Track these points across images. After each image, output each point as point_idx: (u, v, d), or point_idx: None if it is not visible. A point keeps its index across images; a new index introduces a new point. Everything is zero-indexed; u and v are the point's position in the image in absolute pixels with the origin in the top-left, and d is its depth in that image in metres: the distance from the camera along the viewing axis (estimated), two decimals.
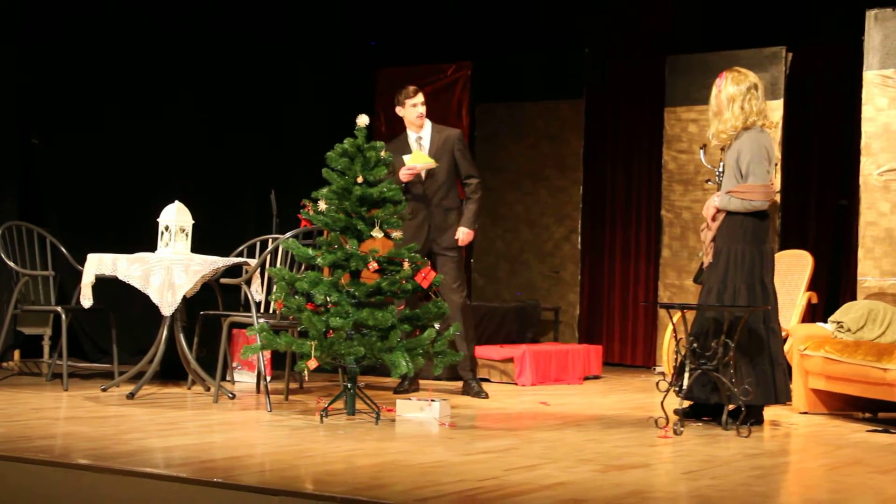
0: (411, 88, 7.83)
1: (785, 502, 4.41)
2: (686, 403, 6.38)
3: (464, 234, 7.77)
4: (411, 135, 7.85)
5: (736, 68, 6.70)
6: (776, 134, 9.46)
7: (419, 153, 7.67)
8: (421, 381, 7.95)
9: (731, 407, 6.22)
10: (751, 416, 6.25)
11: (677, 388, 6.23)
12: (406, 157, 7.67)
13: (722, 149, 6.71)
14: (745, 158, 6.45)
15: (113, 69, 9.42)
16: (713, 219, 6.56)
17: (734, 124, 6.52)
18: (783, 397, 6.51)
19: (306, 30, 10.81)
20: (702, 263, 6.69)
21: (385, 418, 6.24)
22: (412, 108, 7.78)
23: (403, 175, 7.62)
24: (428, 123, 7.87)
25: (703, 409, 6.55)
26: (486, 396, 7.68)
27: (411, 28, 11.63)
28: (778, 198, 9.47)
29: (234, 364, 8.09)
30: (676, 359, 6.31)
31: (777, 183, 9.45)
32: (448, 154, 7.78)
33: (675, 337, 6.37)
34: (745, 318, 6.20)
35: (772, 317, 6.49)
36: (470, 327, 7.83)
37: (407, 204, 7.31)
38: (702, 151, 7.13)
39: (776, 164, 9.42)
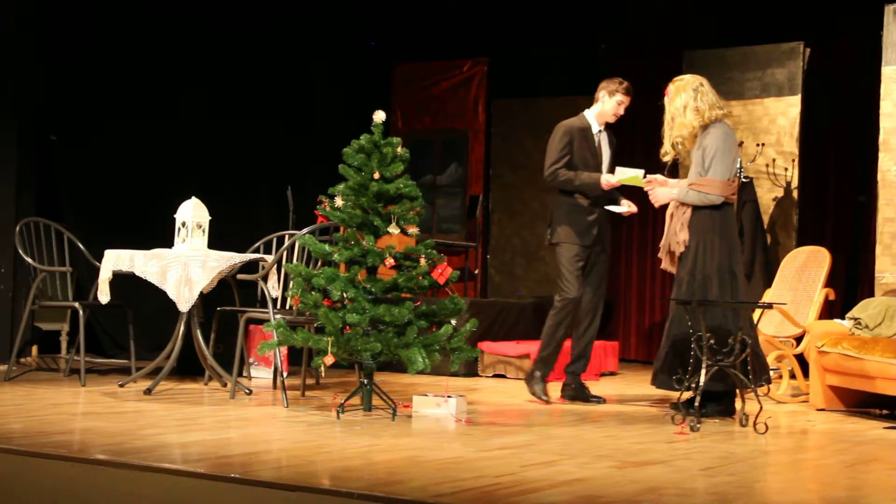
0: (626, 85, 7.30)
1: (802, 499, 4.40)
2: (686, 395, 6.43)
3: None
4: (594, 125, 7.37)
5: (674, 79, 6.87)
6: (794, 129, 9.44)
7: (636, 177, 7.07)
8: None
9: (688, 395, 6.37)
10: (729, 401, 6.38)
11: (693, 385, 6.22)
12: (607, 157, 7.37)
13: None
14: (709, 153, 6.64)
15: (130, 66, 9.45)
16: (675, 209, 6.73)
17: (693, 124, 6.69)
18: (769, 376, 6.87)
19: (323, 27, 10.83)
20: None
21: (402, 414, 6.24)
22: (617, 105, 7.32)
23: (607, 185, 7.18)
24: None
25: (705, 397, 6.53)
26: (601, 401, 7.34)
27: (428, 24, 11.63)
28: (796, 194, 9.44)
29: (251, 360, 8.11)
30: (691, 355, 6.30)
31: (794, 178, 9.43)
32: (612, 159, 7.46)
33: (679, 332, 6.42)
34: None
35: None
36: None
37: (583, 197, 7.27)
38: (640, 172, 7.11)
39: (794, 160, 9.41)
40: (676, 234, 6.69)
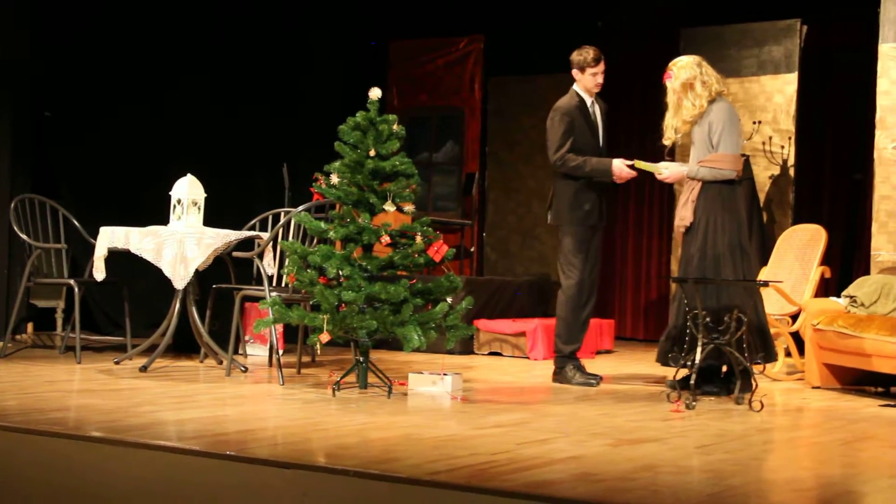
0: (592, 55, 7.16)
1: (797, 477, 4.40)
2: (680, 374, 6.44)
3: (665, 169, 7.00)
4: (587, 99, 7.24)
5: (672, 62, 6.84)
6: (790, 107, 9.42)
7: (651, 165, 6.96)
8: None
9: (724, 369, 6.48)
10: (746, 382, 6.27)
11: (689, 363, 6.23)
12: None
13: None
14: (716, 129, 6.62)
15: (126, 45, 9.42)
16: (687, 185, 6.71)
17: (700, 104, 6.68)
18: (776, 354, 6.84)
19: (319, 3, 10.78)
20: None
21: (397, 392, 6.24)
22: (592, 78, 7.20)
23: (623, 176, 7.05)
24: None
25: (703, 376, 6.52)
26: (597, 383, 7.11)
27: (424, 0, 11.58)
28: (792, 172, 9.43)
29: (247, 337, 8.11)
30: (688, 333, 6.30)
31: (791, 156, 9.42)
32: (608, 129, 7.38)
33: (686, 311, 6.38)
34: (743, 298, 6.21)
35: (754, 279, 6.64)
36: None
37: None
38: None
39: (790, 138, 9.40)
40: (680, 210, 6.69)
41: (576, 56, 7.25)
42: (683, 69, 6.73)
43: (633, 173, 7.07)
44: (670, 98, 6.80)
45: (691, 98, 6.69)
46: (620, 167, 7.05)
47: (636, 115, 11.10)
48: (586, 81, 7.22)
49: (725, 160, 6.58)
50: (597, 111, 7.32)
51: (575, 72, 7.25)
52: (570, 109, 7.20)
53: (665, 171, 6.88)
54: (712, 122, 6.63)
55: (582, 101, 7.25)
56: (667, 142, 6.92)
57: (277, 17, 10.38)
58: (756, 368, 6.79)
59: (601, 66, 7.21)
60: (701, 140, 6.69)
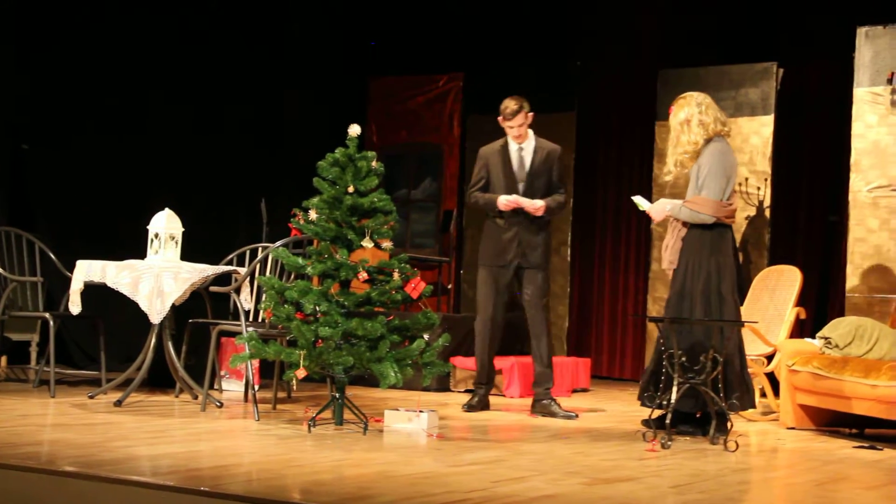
0: (510, 109, 7.56)
1: None
2: (656, 413, 6.44)
3: (537, 205, 7.48)
4: (513, 144, 7.66)
5: (679, 97, 6.88)
6: (766, 149, 9.49)
7: (639, 202, 7.08)
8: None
9: (698, 414, 6.49)
10: (721, 424, 6.28)
11: (664, 402, 6.24)
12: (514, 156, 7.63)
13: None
14: (703, 172, 6.64)
15: (104, 77, 9.42)
16: (672, 225, 6.75)
17: (696, 140, 6.70)
18: (754, 401, 6.84)
19: (300, 40, 10.83)
20: None
21: (373, 428, 6.23)
22: (508, 129, 7.60)
23: (503, 205, 7.50)
24: (531, 136, 7.67)
25: (679, 418, 6.52)
26: (574, 417, 7.42)
27: (404, 38, 11.65)
28: (768, 213, 9.49)
29: (223, 372, 8.08)
30: (663, 373, 6.31)
31: (766, 197, 9.48)
32: (548, 172, 7.63)
33: (663, 350, 6.39)
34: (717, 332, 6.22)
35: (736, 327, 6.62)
36: (550, 344, 7.71)
37: (499, 217, 7.57)
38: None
39: (766, 179, 9.46)
40: (666, 252, 6.71)
41: (501, 106, 7.66)
42: (683, 106, 6.75)
43: (515, 204, 7.46)
44: (671, 132, 6.84)
45: (687, 134, 6.71)
46: (504, 199, 7.49)
47: (612, 153, 11.16)
48: (507, 131, 7.65)
49: (706, 204, 6.58)
50: (525, 155, 7.63)
51: (500, 119, 7.65)
52: (487, 152, 7.75)
53: (645, 204, 6.92)
54: (701, 164, 6.65)
55: (505, 144, 7.67)
56: (667, 176, 6.97)
57: (256, 56, 10.40)
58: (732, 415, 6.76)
59: (509, 121, 7.59)
60: (692, 179, 6.72)
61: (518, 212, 7.54)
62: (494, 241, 7.62)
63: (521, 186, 7.59)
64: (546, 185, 7.62)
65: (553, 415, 7.42)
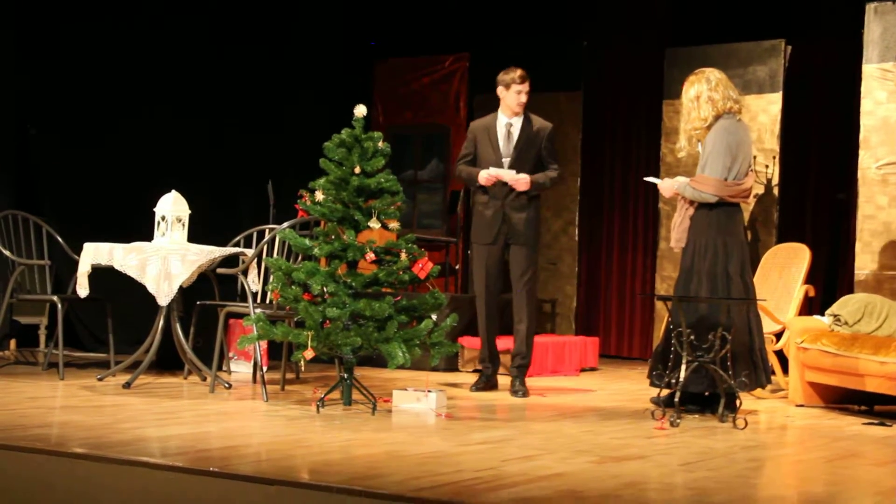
0: (519, 73, 7.46)
1: (781, 495, 4.41)
2: (664, 392, 6.43)
3: (520, 178, 7.39)
4: (502, 119, 7.56)
5: (693, 72, 6.85)
6: (774, 127, 9.45)
7: (653, 178, 7.17)
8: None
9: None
10: (730, 402, 6.26)
11: (673, 381, 6.23)
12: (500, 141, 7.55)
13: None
14: (708, 149, 6.63)
15: (112, 60, 9.41)
16: (680, 203, 6.74)
17: (704, 117, 6.67)
18: (767, 381, 6.73)
19: (305, 20, 10.80)
20: None
21: (381, 409, 6.23)
22: (515, 95, 7.47)
23: (484, 179, 7.44)
24: (523, 113, 7.57)
25: (687, 397, 6.51)
26: (525, 395, 7.40)
27: (410, 19, 11.60)
28: (776, 191, 9.46)
29: (231, 354, 8.08)
30: (672, 350, 6.30)
31: (775, 175, 9.45)
32: (536, 148, 7.54)
33: (672, 329, 6.38)
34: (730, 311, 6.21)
35: (749, 306, 6.60)
36: (534, 322, 7.68)
37: (483, 194, 7.52)
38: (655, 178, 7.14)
39: (774, 157, 9.43)
40: (674, 231, 6.71)
41: (503, 74, 7.56)
42: (694, 83, 6.72)
43: (496, 177, 7.39)
44: (682, 108, 6.82)
45: (697, 111, 6.68)
46: (482, 174, 7.44)
47: (620, 132, 11.12)
48: (509, 98, 7.52)
49: (707, 183, 6.57)
50: (514, 130, 7.54)
51: (500, 89, 7.56)
52: (476, 126, 7.71)
53: (656, 180, 6.93)
54: (707, 142, 6.64)
55: (494, 119, 7.59)
56: (681, 153, 6.97)
57: (264, 34, 10.38)
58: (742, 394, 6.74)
59: (525, 86, 7.50)
60: (701, 157, 6.71)
61: (502, 187, 7.47)
62: (479, 218, 7.58)
63: (506, 162, 7.51)
64: (535, 161, 7.53)
65: (514, 394, 7.41)
